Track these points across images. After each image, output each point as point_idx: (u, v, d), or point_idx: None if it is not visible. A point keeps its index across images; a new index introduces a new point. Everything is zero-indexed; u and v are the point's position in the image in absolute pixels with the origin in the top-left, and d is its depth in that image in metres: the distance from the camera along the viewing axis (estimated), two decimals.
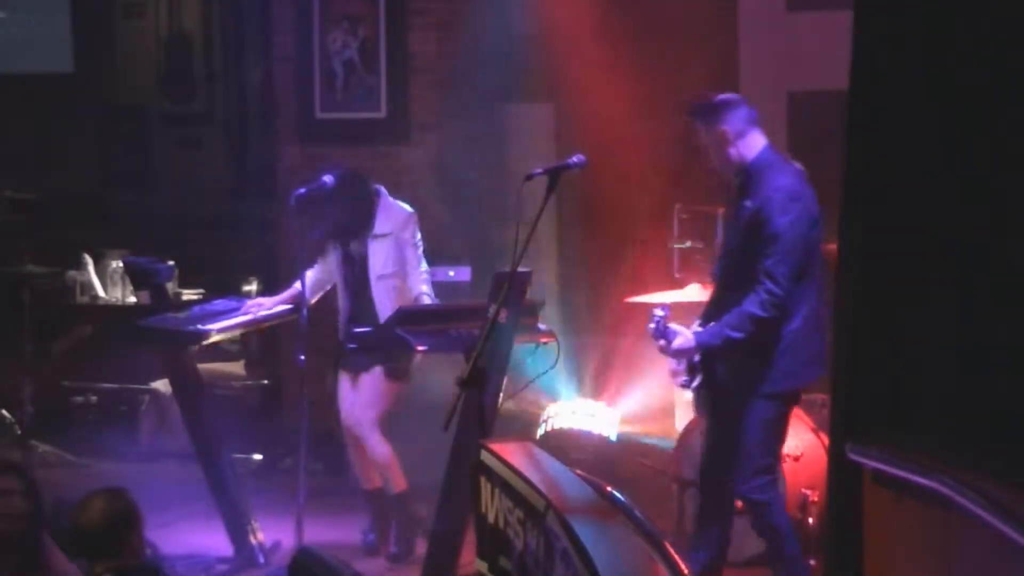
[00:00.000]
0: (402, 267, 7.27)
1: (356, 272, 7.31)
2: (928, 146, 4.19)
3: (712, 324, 5.93)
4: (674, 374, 6.19)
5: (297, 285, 7.36)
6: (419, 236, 7.36)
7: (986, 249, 4.06)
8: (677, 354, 6.01)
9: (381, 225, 7.27)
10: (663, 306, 6.04)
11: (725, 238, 6.00)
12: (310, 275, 7.30)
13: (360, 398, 7.29)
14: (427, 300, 7.26)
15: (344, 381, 7.38)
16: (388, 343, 6.91)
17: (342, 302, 7.38)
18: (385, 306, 7.20)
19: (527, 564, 4.31)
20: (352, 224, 7.28)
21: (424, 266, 7.36)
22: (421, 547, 7.09)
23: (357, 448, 7.36)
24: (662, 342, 5.98)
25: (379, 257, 7.26)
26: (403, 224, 7.31)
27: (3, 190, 10.12)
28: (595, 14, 8.94)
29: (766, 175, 5.86)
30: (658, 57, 9.02)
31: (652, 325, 5.98)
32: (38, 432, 9.35)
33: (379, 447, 7.26)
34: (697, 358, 6.00)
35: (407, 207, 7.40)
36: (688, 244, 8.49)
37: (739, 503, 6.21)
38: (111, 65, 11.36)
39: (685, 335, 5.93)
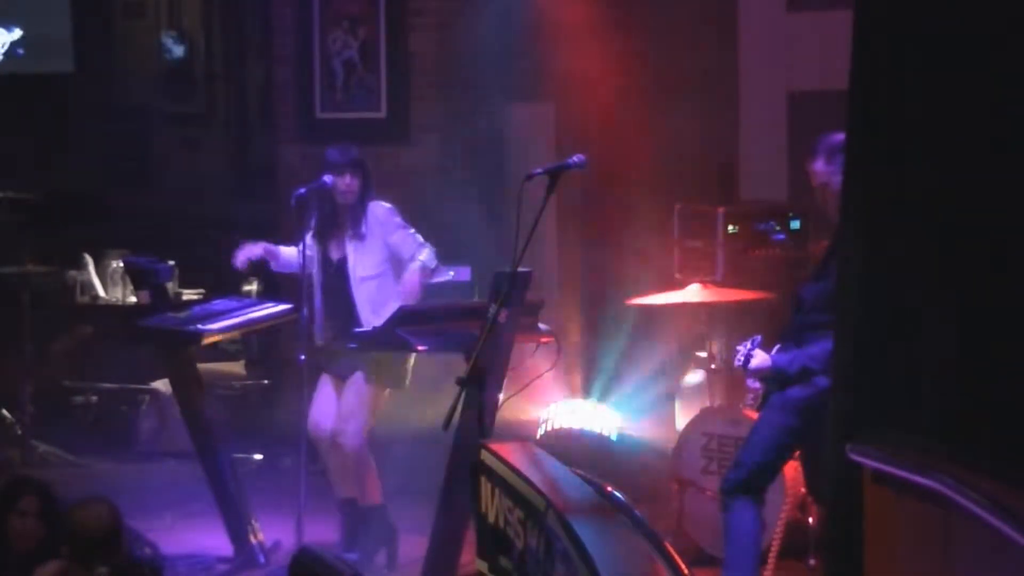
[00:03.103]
0: (392, 263, 7.21)
1: (334, 273, 7.22)
2: (929, 146, 4.19)
3: (793, 350, 5.89)
4: (750, 399, 6.20)
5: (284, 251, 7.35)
6: (405, 224, 7.26)
7: (987, 248, 4.06)
8: (753, 374, 6.01)
9: (362, 224, 7.17)
10: (753, 339, 6.02)
11: (825, 266, 5.91)
12: (291, 251, 7.27)
13: (343, 405, 7.17)
14: (419, 265, 7.11)
15: (326, 386, 7.24)
16: (389, 343, 6.88)
17: (317, 304, 7.21)
18: (366, 309, 7.11)
19: (527, 564, 4.31)
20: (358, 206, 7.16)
21: (423, 246, 7.18)
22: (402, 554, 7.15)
23: (333, 454, 7.23)
24: (739, 363, 5.99)
25: (361, 258, 7.18)
26: (384, 220, 7.23)
27: (3, 190, 10.13)
28: (595, 14, 8.94)
29: None
30: (658, 57, 9.03)
31: (741, 357, 5.96)
32: (38, 432, 9.34)
33: (361, 456, 7.16)
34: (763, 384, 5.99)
35: (384, 203, 7.32)
36: (688, 244, 8.50)
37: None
38: (111, 65, 11.36)
39: (762, 356, 5.93)
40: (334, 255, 7.24)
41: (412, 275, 7.12)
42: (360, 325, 7.07)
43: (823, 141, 5.90)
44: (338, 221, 7.21)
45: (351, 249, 7.19)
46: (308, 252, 7.08)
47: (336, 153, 7.20)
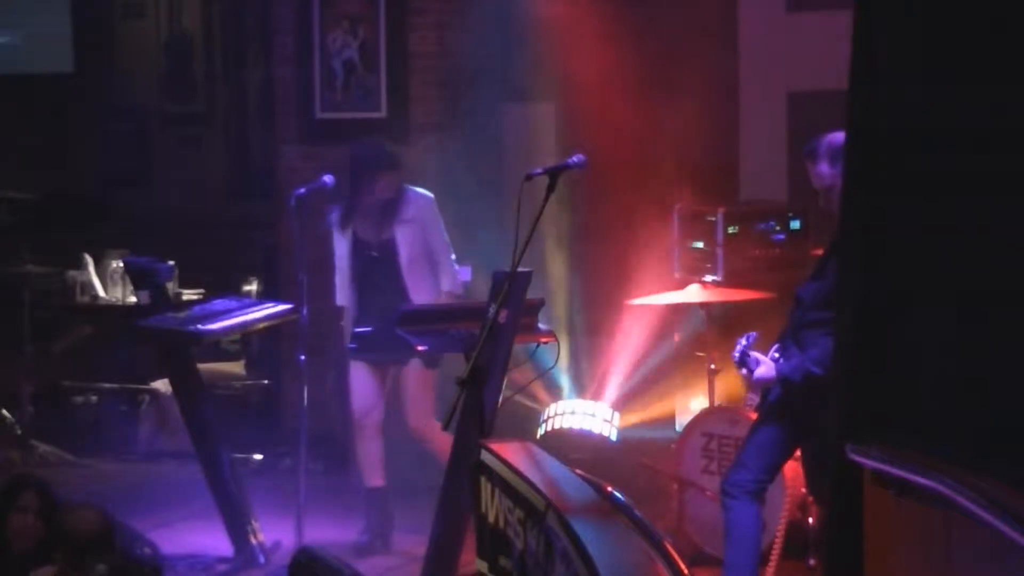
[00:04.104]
0: (430, 255, 7.31)
1: (376, 260, 7.32)
2: (928, 146, 4.19)
3: (795, 353, 5.89)
4: (749, 400, 6.20)
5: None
6: (439, 219, 7.41)
7: (987, 248, 4.05)
8: (758, 383, 6.01)
9: (406, 210, 7.32)
10: (748, 335, 6.02)
11: (824, 265, 5.91)
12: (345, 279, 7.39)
13: (415, 398, 7.35)
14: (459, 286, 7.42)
15: (361, 372, 7.36)
16: (389, 343, 6.89)
17: (352, 294, 7.38)
18: (420, 293, 7.26)
19: (527, 564, 4.30)
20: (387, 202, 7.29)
21: (453, 259, 7.42)
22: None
23: (371, 442, 7.38)
24: (744, 371, 5.98)
25: (407, 241, 7.29)
26: (425, 208, 7.34)
27: (3, 190, 10.14)
28: (595, 14, 8.94)
29: None
30: (658, 57, 9.02)
31: (736, 353, 5.97)
32: (38, 432, 9.35)
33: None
34: (776, 390, 5.97)
35: (425, 192, 7.44)
36: (688, 244, 8.50)
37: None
38: (111, 65, 11.37)
39: (767, 364, 5.92)
40: (373, 238, 7.33)
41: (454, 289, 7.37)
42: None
43: (824, 143, 5.89)
44: (376, 207, 7.31)
45: (398, 232, 7.31)
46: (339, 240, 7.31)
47: (370, 151, 7.32)
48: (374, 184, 7.25)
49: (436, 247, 7.37)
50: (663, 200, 8.80)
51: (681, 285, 8.04)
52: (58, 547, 5.43)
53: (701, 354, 8.15)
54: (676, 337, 8.82)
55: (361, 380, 7.38)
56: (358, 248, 7.36)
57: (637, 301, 8.07)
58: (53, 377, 9.75)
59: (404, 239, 7.30)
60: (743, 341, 5.98)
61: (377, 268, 7.33)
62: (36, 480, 5.97)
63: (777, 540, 6.60)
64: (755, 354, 5.96)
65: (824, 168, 5.87)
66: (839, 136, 5.68)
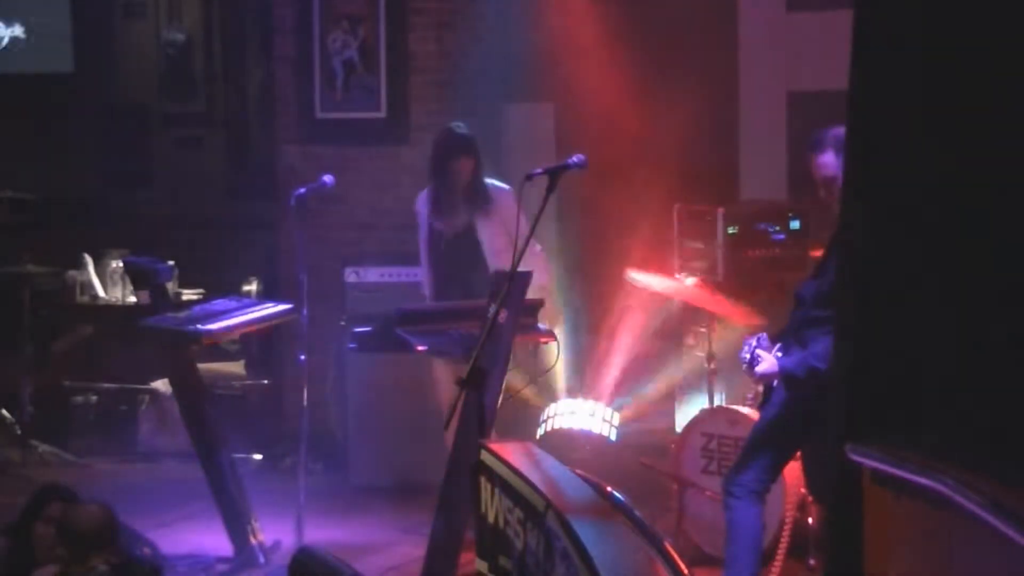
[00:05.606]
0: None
1: (453, 250, 7.32)
2: (929, 146, 4.19)
3: (797, 351, 5.87)
4: (750, 400, 6.18)
5: None
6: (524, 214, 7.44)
7: (987, 248, 4.05)
8: (761, 379, 5.99)
9: (485, 202, 7.37)
10: (759, 336, 6.00)
11: (824, 263, 5.90)
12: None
13: None
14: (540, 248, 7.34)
15: (443, 371, 7.38)
16: (388, 343, 6.88)
17: (430, 280, 7.42)
18: None
19: (527, 564, 4.31)
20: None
21: (539, 249, 7.35)
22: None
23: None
24: (745, 367, 5.96)
25: (489, 234, 7.33)
26: (507, 200, 7.34)
27: (3, 190, 10.13)
28: (595, 14, 8.94)
29: None
30: (658, 57, 9.03)
31: (745, 354, 5.94)
32: (38, 432, 9.35)
33: None
34: (779, 390, 5.95)
35: (502, 184, 7.44)
36: (688, 244, 8.50)
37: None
38: (111, 65, 11.37)
39: (769, 360, 5.90)
40: (449, 228, 7.40)
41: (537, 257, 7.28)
42: None
43: (829, 133, 5.87)
44: (457, 197, 7.38)
45: (478, 223, 7.36)
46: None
47: (443, 136, 7.46)
48: (449, 168, 7.31)
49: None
50: (663, 200, 8.80)
51: (681, 284, 8.03)
52: (61, 543, 5.42)
53: (701, 354, 8.15)
54: (676, 337, 8.82)
55: (445, 379, 7.37)
56: (432, 237, 7.44)
57: (636, 274, 8.03)
58: (53, 377, 9.75)
59: (485, 231, 7.36)
60: (753, 342, 5.95)
61: (455, 258, 7.37)
62: (65, 492, 5.97)
63: (783, 540, 6.60)
64: (758, 351, 5.95)
65: (829, 157, 5.85)
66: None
